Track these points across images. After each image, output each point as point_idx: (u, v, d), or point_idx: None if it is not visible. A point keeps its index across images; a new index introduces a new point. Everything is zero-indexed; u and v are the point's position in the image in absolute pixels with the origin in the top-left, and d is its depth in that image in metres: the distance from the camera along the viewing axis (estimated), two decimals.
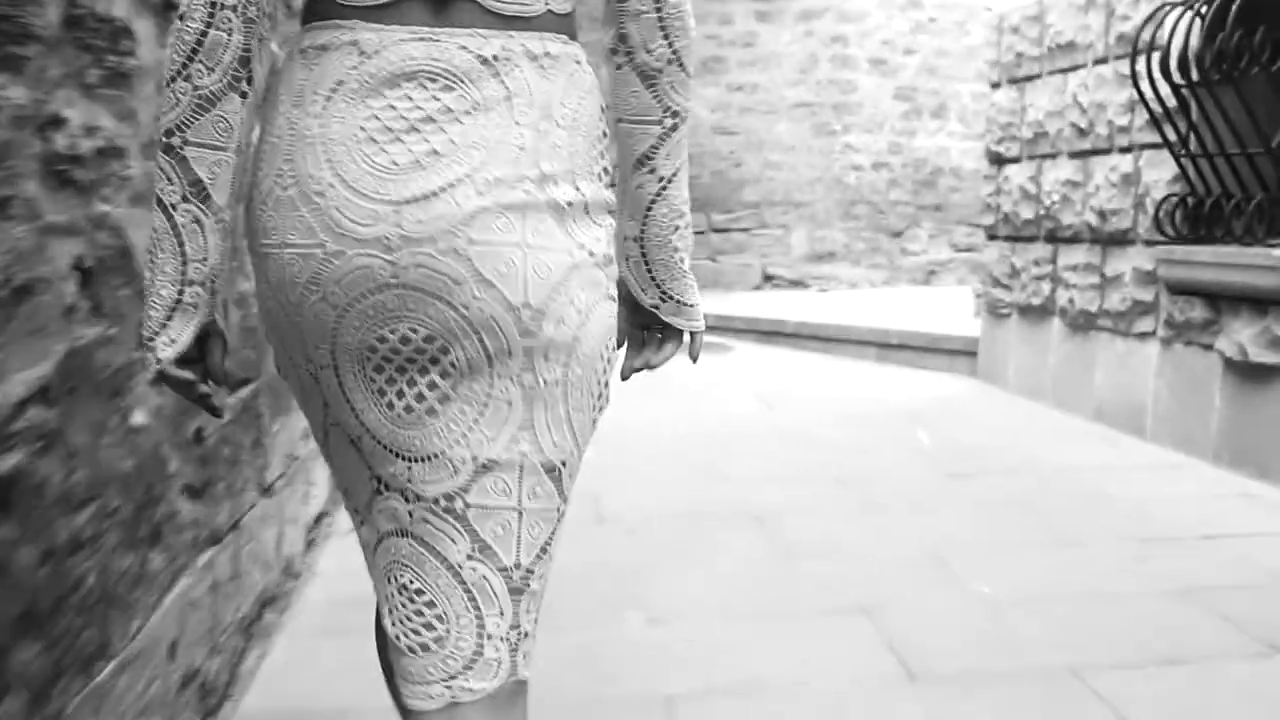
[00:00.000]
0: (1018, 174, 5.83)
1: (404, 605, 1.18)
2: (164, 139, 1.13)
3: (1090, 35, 5.17)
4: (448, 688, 1.17)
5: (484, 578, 1.17)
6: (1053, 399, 5.55)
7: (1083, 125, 5.23)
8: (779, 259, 10.46)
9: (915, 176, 10.80)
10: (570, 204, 1.13)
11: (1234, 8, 3.95)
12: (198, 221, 1.14)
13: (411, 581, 1.17)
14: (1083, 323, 5.28)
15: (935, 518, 3.67)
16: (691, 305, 1.35)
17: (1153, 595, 2.91)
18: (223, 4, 1.11)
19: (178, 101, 1.12)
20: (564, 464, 1.19)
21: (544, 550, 1.20)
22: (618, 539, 3.49)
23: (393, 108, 1.08)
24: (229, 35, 1.11)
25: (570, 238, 1.13)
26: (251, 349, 2.64)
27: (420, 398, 1.14)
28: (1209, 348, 4.36)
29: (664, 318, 1.35)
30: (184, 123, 1.12)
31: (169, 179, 1.14)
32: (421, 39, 1.09)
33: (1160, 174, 4.68)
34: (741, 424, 5.24)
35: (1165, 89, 4.36)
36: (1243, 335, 4.12)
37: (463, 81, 1.09)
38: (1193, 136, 4.38)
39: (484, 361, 1.12)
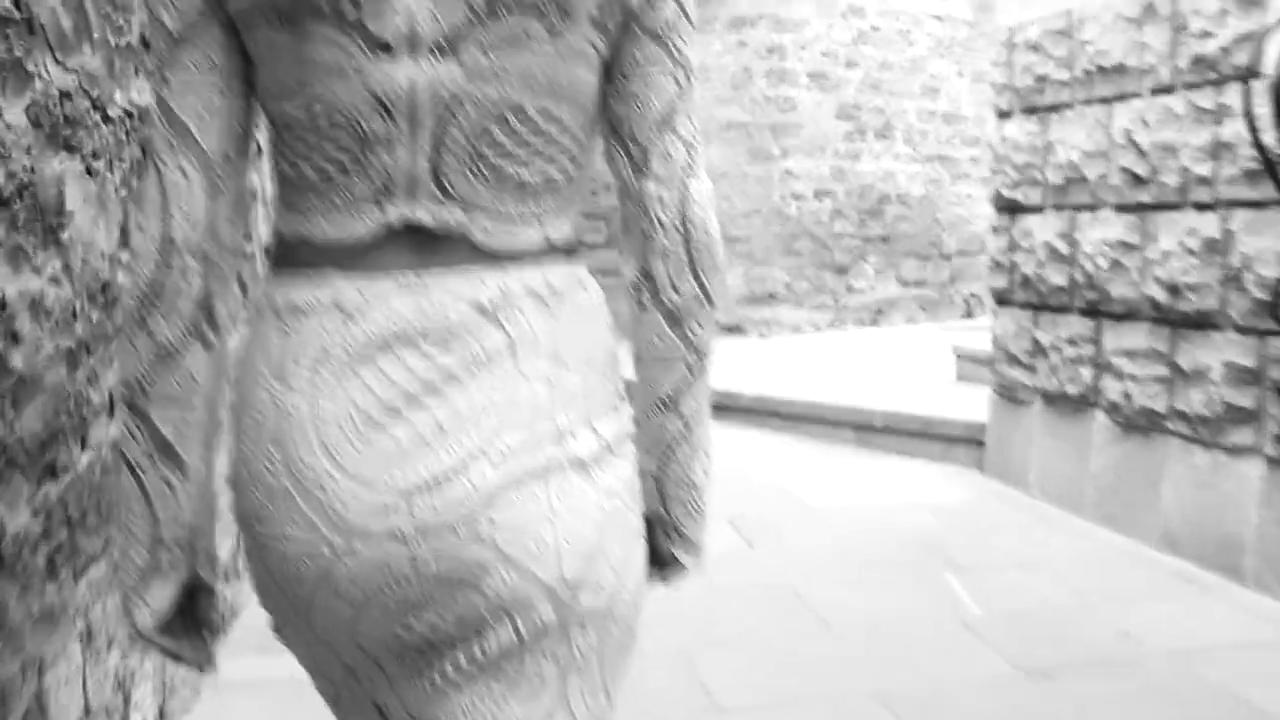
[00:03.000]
0: (1042, 228, 4.66)
1: None
2: (125, 392, 1.05)
3: (1149, 56, 4.01)
4: None
5: None
6: (1096, 514, 4.38)
7: (1140, 172, 4.06)
8: None
9: (860, 205, 9.67)
10: (595, 457, 1.06)
11: None
12: (168, 484, 1.07)
13: None
14: (1143, 424, 4.11)
15: None
16: (701, 545, 1.26)
17: None
18: (179, 246, 1.02)
19: (137, 353, 1.04)
20: None
21: None
22: None
23: (386, 376, 1.00)
24: (186, 280, 1.03)
25: (596, 488, 1.06)
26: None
27: (445, 675, 1.05)
28: None
29: (673, 551, 1.25)
30: (144, 377, 1.04)
31: (134, 437, 1.06)
32: (409, 289, 1.01)
33: (1267, 242, 3.52)
34: (720, 582, 3.92)
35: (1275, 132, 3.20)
36: None
37: (459, 336, 1.01)
38: None
39: (517, 643, 1.04)
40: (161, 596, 1.10)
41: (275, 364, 1.03)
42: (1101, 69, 4.26)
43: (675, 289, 1.13)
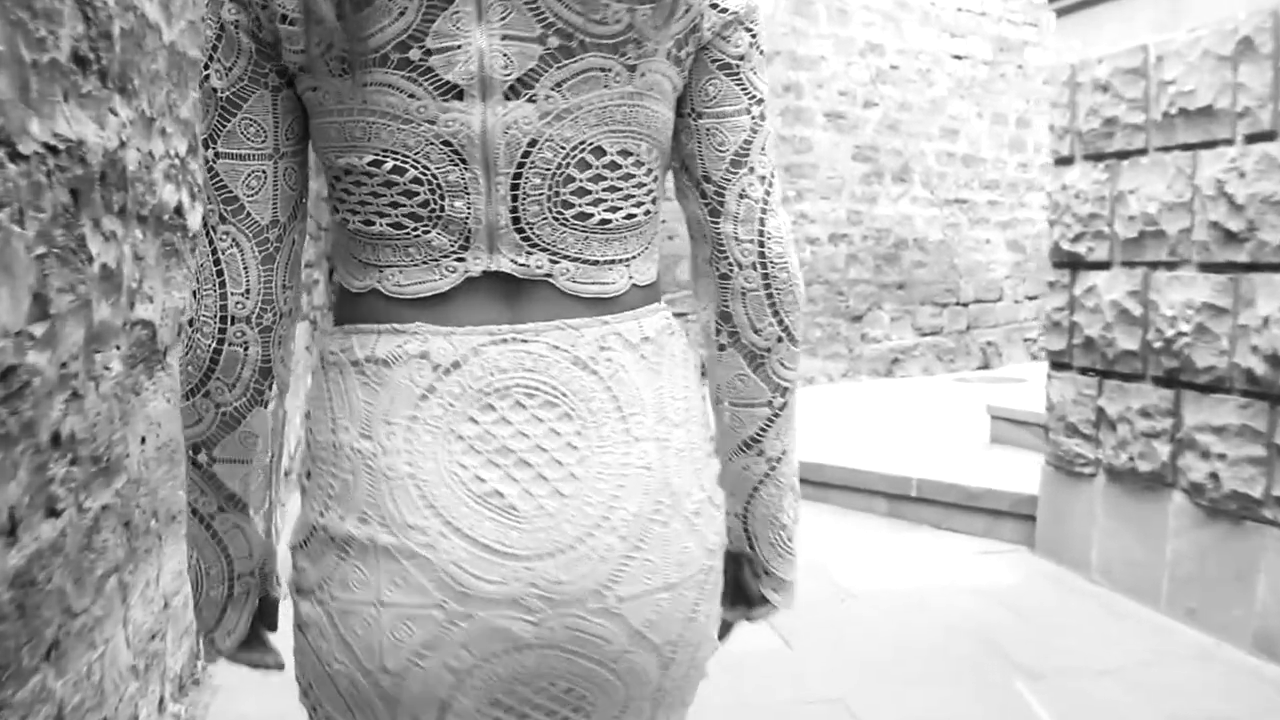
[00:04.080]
0: (1110, 285, 4.19)
1: None
2: (191, 454, 1.07)
3: (1245, 98, 3.56)
4: None
5: None
6: (1175, 607, 3.88)
7: (1233, 227, 3.60)
8: None
9: (876, 250, 9.21)
10: (698, 512, 1.06)
11: None
12: (238, 527, 1.11)
13: None
14: (1233, 509, 3.63)
15: None
16: (791, 582, 1.24)
17: None
18: (235, 316, 1.02)
19: (200, 418, 1.05)
20: None
21: None
22: None
23: (491, 435, 0.98)
24: (245, 350, 1.03)
25: (702, 546, 1.06)
26: None
27: None
28: None
29: (763, 591, 1.24)
30: (210, 440, 1.06)
31: (202, 491, 1.09)
32: (504, 341, 1.00)
33: None
34: (760, 698, 3.41)
35: None
36: None
37: (565, 395, 0.99)
38: None
39: (621, 704, 1.05)
40: (238, 620, 1.16)
41: (361, 420, 1.01)
42: (1185, 112, 3.80)
43: (756, 330, 1.11)
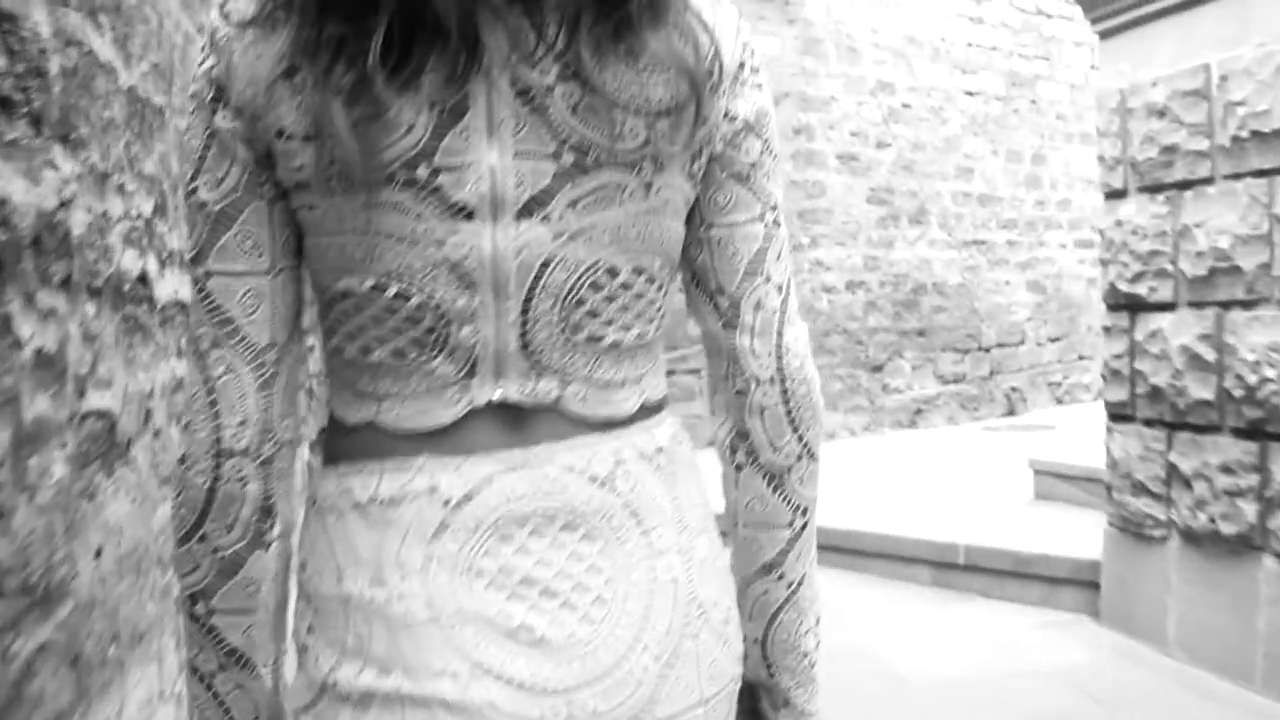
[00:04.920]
0: (1177, 329, 3.83)
1: None
2: (188, 604, 0.99)
3: None
4: None
5: None
6: (1269, 685, 3.48)
7: None
8: None
9: (895, 296, 8.87)
10: (727, 620, 1.04)
11: None
12: (241, 687, 1.02)
13: None
14: None
15: None
16: (814, 713, 1.16)
17: None
18: (231, 450, 0.95)
19: (196, 565, 0.97)
20: None
21: None
22: None
23: (512, 567, 0.93)
24: (243, 487, 0.96)
25: (731, 655, 1.04)
26: None
27: None
28: None
29: None
30: (208, 589, 0.98)
31: (200, 647, 1.00)
32: (517, 469, 0.95)
33: None
34: None
35: None
36: None
37: (585, 516, 0.96)
38: None
39: None
40: None
41: (371, 567, 0.94)
42: (1258, 135, 3.46)
43: (775, 448, 1.06)
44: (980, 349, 9.42)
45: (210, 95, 0.93)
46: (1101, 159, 4.19)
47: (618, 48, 0.91)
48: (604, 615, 0.94)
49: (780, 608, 1.11)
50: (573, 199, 0.93)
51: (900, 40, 8.79)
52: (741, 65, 1.01)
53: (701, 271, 1.04)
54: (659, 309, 1.02)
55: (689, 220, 1.03)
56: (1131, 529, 4.09)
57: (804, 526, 1.09)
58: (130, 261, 2.31)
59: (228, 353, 0.95)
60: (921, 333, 8.95)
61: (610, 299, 0.97)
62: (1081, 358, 10.31)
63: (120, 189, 2.23)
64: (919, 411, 8.99)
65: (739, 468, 1.07)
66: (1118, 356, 4.13)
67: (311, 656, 0.98)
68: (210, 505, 0.95)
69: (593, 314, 0.97)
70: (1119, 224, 4.07)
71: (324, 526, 0.98)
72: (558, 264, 0.94)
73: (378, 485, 0.95)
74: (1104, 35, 4.16)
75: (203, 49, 0.95)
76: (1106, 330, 4.22)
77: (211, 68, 0.93)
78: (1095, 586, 4.38)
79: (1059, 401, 9.99)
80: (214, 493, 0.95)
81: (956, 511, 5.47)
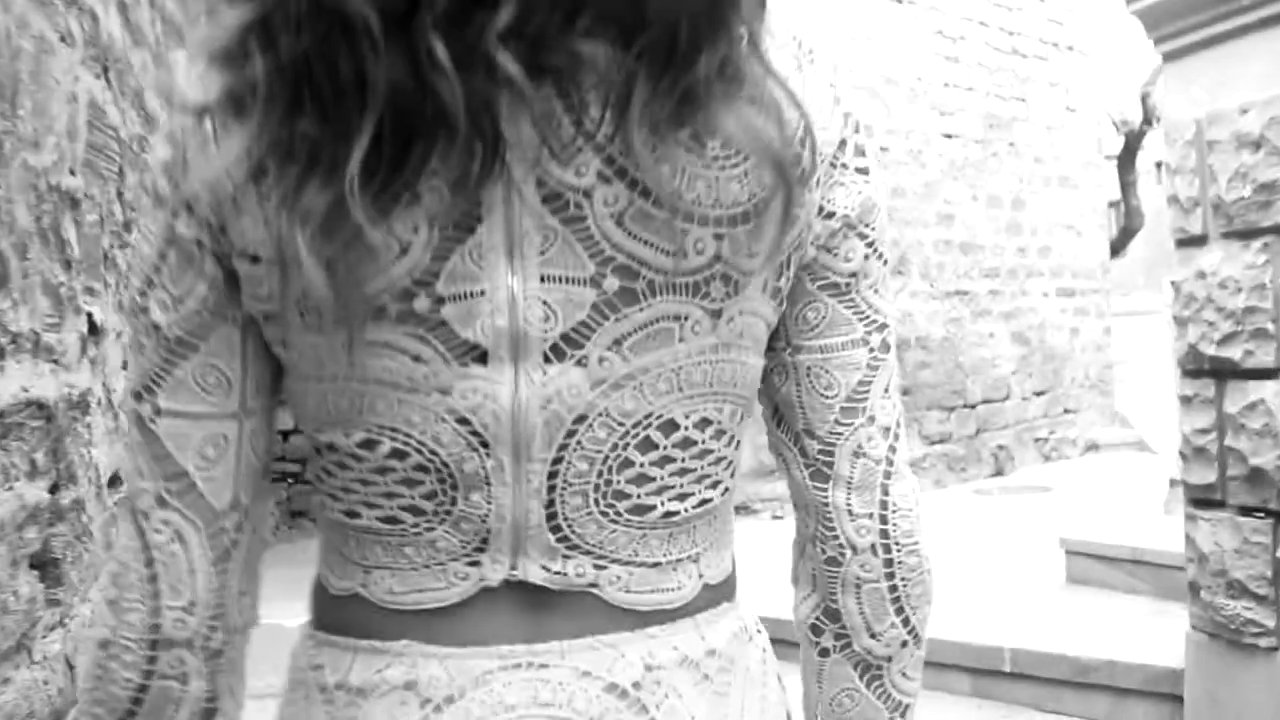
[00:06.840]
0: (1279, 398, 3.20)
1: None
2: None
3: None
4: None
5: None
6: None
7: None
8: None
9: None
10: None
11: None
12: None
13: None
14: None
15: None
16: None
17: None
18: (172, 640, 0.76)
19: None
20: None
21: None
22: None
23: None
24: (183, 684, 0.77)
25: None
26: None
27: None
28: None
29: None
30: None
31: None
32: (517, 667, 0.75)
33: None
34: None
35: None
36: None
37: None
38: None
39: None
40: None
41: None
42: None
43: (874, 634, 0.86)
44: (966, 406, 8.87)
45: (167, 194, 0.74)
46: (1174, 200, 3.57)
47: (679, 132, 0.70)
48: None
49: None
50: (618, 336, 0.74)
51: (877, 79, 8.28)
52: (842, 144, 0.80)
53: (786, 406, 0.85)
54: (728, 466, 0.81)
55: (772, 344, 0.83)
56: (1226, 636, 3.44)
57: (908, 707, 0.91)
58: None
59: (175, 516, 0.77)
60: (906, 391, 8.36)
61: (665, 460, 0.77)
62: (1067, 411, 9.83)
63: None
64: None
65: (824, 653, 0.89)
66: (1202, 431, 3.49)
67: None
68: (139, 706, 0.77)
69: (641, 479, 0.77)
70: (1201, 275, 3.45)
71: (291, 705, 0.81)
72: (598, 418, 0.75)
73: (349, 668, 0.77)
74: (1169, 57, 3.57)
75: (157, 129, 0.76)
76: (1185, 401, 3.58)
77: (166, 161, 0.74)
78: (1175, 700, 3.72)
79: (1046, 459, 9.49)
80: (144, 690, 0.77)
81: (988, 603, 4.78)
